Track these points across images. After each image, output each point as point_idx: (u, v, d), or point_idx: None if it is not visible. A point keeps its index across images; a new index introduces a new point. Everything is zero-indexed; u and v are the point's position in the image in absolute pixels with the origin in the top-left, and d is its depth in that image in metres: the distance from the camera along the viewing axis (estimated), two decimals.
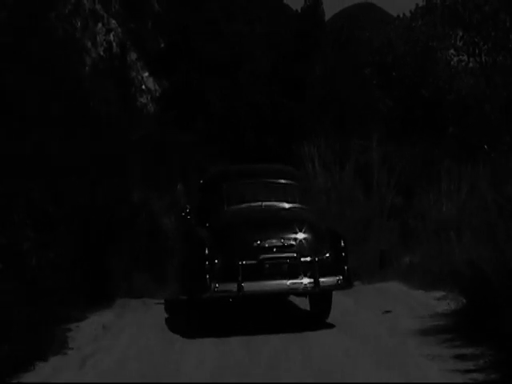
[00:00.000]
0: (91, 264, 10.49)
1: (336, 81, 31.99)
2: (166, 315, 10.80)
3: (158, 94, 34.70)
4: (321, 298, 9.66)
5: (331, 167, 14.24)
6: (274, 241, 9.16)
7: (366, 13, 54.69)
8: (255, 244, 9.11)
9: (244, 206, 9.89)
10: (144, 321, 10.42)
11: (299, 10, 40.58)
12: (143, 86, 35.33)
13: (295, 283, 9.08)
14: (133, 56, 36.19)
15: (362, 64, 21.07)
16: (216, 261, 9.06)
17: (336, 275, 9.21)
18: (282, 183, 10.35)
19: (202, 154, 25.00)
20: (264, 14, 47.24)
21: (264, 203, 9.89)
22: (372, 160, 15.44)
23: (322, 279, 9.08)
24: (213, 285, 8.96)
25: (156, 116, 31.52)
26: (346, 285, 9.38)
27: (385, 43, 19.16)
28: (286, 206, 9.97)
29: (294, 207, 9.99)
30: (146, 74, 36.00)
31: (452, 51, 18.98)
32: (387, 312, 10.21)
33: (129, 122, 21.22)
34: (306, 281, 9.08)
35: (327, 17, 41.61)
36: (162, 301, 11.94)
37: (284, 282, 9.06)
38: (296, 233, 9.26)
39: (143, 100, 34.75)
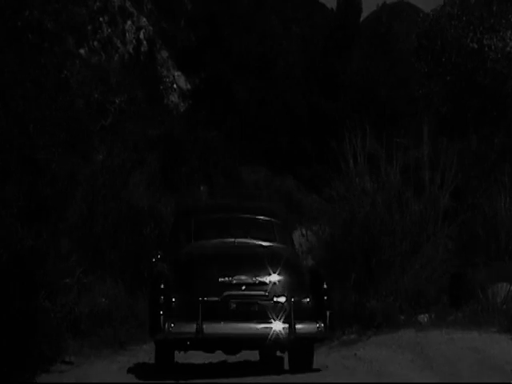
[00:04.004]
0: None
1: (376, 74, 29.48)
2: None
3: (188, 93, 32.72)
4: (299, 351, 8.07)
5: (378, 164, 11.45)
6: (243, 277, 7.79)
7: (401, 11, 52.56)
8: (220, 279, 7.76)
9: (214, 241, 8.47)
10: None
11: (334, 9, 38.28)
12: (174, 85, 33.38)
13: (267, 328, 7.64)
14: (164, 54, 34.21)
15: (406, 52, 18.37)
16: (173, 297, 7.71)
17: (316, 321, 7.83)
18: (260, 220, 8.96)
19: (231, 153, 22.85)
20: (299, 13, 44.96)
21: (238, 240, 8.43)
22: (422, 157, 12.67)
23: (298, 325, 7.69)
24: (167, 324, 7.55)
25: (187, 114, 29.60)
26: (327, 333, 7.98)
27: (433, 24, 16.42)
28: (263, 243, 8.51)
29: (272, 246, 8.53)
30: (178, 73, 34.07)
31: (511, 32, 16.22)
32: None
33: (151, 119, 19.26)
34: (279, 326, 7.65)
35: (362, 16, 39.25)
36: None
37: (253, 325, 7.67)
38: (270, 270, 7.88)
39: (174, 99, 32.77)
